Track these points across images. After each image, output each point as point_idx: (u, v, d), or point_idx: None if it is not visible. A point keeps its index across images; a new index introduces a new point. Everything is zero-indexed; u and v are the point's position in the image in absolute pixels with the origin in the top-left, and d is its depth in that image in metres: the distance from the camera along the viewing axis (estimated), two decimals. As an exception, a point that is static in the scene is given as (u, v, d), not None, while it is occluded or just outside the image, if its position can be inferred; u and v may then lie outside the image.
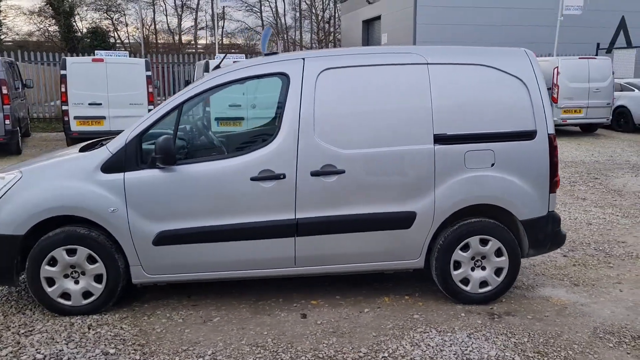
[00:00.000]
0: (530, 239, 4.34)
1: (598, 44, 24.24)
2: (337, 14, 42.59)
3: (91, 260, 4.08)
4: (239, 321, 4.08)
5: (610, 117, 15.40)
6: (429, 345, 3.72)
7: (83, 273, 4.10)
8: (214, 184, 4.06)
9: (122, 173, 4.03)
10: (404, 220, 4.17)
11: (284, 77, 4.14)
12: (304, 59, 4.17)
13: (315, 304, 4.37)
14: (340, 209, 4.12)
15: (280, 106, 4.16)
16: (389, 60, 4.22)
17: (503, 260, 4.30)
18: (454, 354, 3.61)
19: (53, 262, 4.05)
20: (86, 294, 4.12)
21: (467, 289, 4.32)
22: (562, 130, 15.85)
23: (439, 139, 4.14)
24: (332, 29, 44.22)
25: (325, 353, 3.62)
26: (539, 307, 4.32)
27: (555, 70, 14.87)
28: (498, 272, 4.33)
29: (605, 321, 4.09)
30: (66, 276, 4.09)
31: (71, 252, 4.05)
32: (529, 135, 4.22)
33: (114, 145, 4.08)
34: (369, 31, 33.08)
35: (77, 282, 4.11)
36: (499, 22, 24.06)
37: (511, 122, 4.23)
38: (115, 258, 4.09)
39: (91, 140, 4.97)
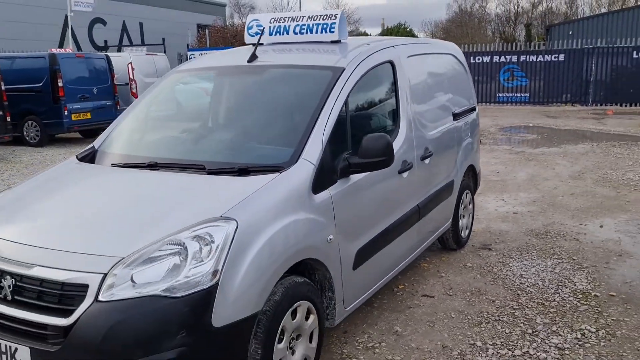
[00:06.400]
0: (474, 183, 5.72)
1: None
2: None
3: (305, 315, 3.01)
4: (412, 322, 3.89)
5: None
6: (563, 281, 4.50)
7: (298, 337, 2.98)
8: (380, 183, 3.66)
9: (327, 190, 3.13)
10: (450, 187, 4.83)
11: (390, 64, 4.03)
12: (393, 46, 4.15)
13: (403, 288, 4.48)
14: (430, 187, 4.42)
15: (392, 93, 4.04)
16: (430, 49, 4.70)
17: (471, 206, 5.53)
18: (581, 280, 4.55)
19: (281, 335, 2.80)
20: (302, 364, 3.02)
21: (463, 235, 5.35)
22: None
23: (454, 115, 4.96)
24: None
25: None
26: (494, 232, 5.76)
27: (130, 65, 15.18)
28: (469, 215, 5.53)
29: (555, 223, 5.91)
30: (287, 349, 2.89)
31: (294, 314, 2.89)
32: (474, 109, 5.55)
33: (311, 153, 3.07)
34: None
35: (293, 353, 2.95)
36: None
37: (467, 100, 5.44)
38: (324, 304, 3.16)
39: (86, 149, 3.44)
